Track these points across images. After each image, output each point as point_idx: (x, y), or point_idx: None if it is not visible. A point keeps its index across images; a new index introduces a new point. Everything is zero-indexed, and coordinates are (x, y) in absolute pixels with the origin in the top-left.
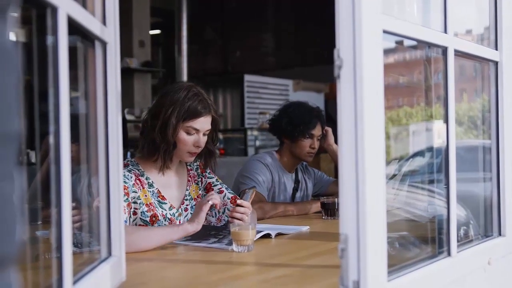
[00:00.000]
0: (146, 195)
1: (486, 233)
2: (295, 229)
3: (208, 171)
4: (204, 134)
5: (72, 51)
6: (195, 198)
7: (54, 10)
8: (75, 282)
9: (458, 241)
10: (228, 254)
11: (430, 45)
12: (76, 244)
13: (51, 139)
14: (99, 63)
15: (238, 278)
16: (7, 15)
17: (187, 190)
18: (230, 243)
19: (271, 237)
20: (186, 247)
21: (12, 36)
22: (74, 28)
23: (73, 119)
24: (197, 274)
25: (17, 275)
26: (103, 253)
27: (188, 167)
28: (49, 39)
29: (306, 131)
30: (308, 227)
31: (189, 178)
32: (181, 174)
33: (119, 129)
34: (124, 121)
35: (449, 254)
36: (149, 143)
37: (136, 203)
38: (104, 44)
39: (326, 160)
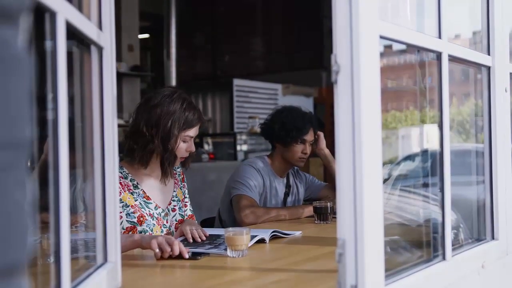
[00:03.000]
0: (129, 198)
1: (479, 237)
2: (288, 234)
3: (185, 182)
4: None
5: (68, 55)
6: (182, 200)
7: (53, 15)
8: None
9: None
10: (223, 259)
11: (425, 50)
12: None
13: (50, 145)
14: (95, 68)
15: (234, 283)
16: (19, 22)
17: (174, 191)
18: (223, 249)
19: (265, 242)
20: None
21: (24, 42)
22: (71, 32)
23: (68, 123)
24: (193, 279)
25: (27, 282)
26: (99, 259)
27: (173, 170)
28: (47, 44)
29: (299, 136)
30: (301, 232)
31: (175, 181)
32: None
33: (115, 134)
34: None
35: (444, 258)
36: (148, 153)
37: (119, 206)
38: (100, 49)
39: (315, 164)
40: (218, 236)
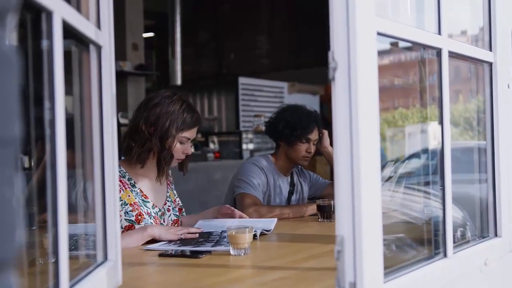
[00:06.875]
0: (129, 195)
1: (482, 234)
2: (268, 230)
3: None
4: (191, 142)
5: (66, 55)
6: (174, 201)
7: (49, 14)
8: (71, 287)
9: (454, 242)
10: (225, 257)
11: (424, 46)
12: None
13: (47, 144)
14: (94, 67)
15: (236, 281)
16: (6, 20)
17: (167, 192)
18: (228, 245)
19: (256, 239)
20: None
21: (11, 41)
22: (68, 32)
23: (67, 123)
24: (194, 277)
25: (16, 278)
26: (99, 257)
27: (168, 170)
28: (44, 43)
29: (303, 135)
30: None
31: (168, 183)
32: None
33: (114, 134)
34: (118, 125)
35: (445, 255)
36: (146, 151)
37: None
38: (98, 48)
39: (322, 162)
40: (209, 234)
